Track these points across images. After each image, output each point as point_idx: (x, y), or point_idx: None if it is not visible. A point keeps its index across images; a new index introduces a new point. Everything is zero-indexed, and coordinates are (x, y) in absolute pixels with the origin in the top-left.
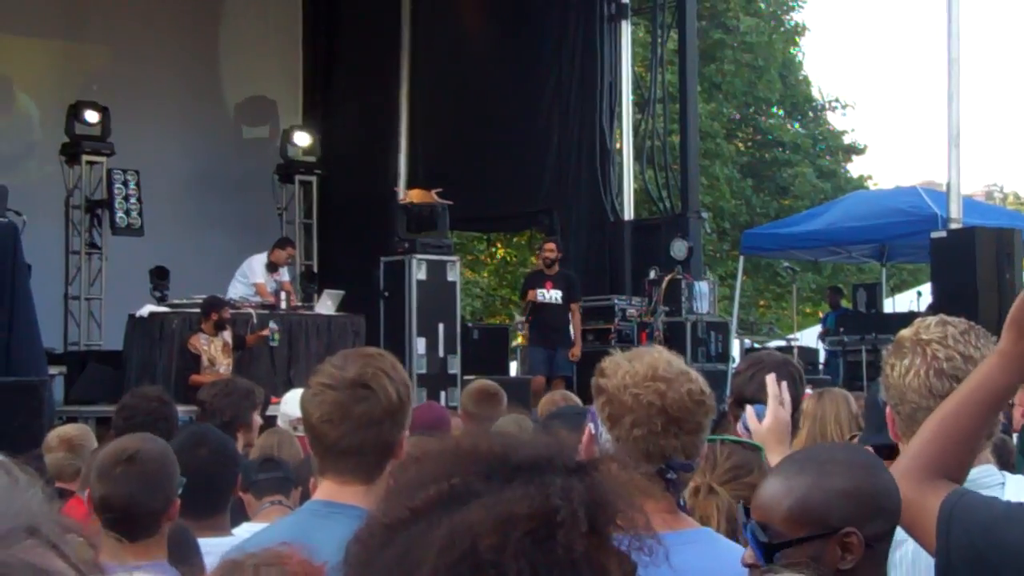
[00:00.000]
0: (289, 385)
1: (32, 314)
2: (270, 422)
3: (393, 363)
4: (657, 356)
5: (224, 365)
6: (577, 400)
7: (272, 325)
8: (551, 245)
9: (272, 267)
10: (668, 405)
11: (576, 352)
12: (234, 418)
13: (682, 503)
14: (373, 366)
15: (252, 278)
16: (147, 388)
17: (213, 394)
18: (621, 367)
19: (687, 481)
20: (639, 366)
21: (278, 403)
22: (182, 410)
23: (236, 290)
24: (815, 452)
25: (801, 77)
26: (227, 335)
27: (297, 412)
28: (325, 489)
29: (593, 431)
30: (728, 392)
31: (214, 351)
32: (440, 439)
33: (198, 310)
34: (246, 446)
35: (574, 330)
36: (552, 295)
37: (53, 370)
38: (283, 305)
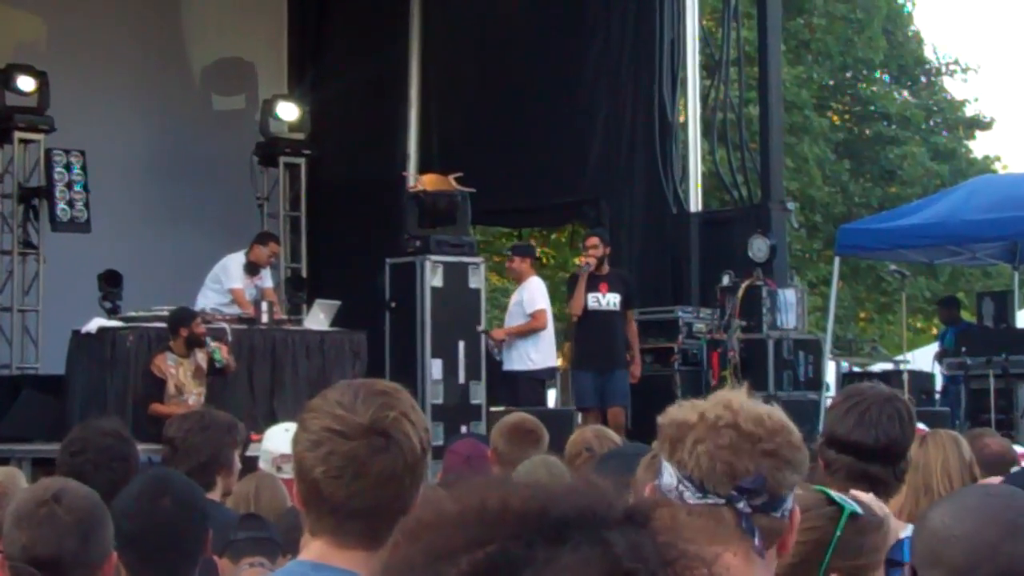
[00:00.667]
0: (272, 418)
1: None
2: (249, 464)
3: (412, 403)
4: (732, 393)
5: (194, 395)
6: (615, 438)
7: (210, 343)
8: (594, 239)
9: (252, 268)
10: (740, 419)
11: (637, 372)
12: (212, 459)
13: (757, 542)
14: (393, 409)
15: (227, 282)
16: (102, 420)
17: (186, 429)
18: (689, 401)
19: (770, 530)
20: (712, 398)
21: (259, 440)
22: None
23: (207, 299)
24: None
25: (911, 33)
26: (201, 357)
27: (282, 448)
28: (317, 549)
29: (656, 481)
30: (819, 429)
31: (183, 376)
32: (453, 494)
33: (159, 324)
34: (224, 494)
35: (632, 343)
36: (608, 300)
37: None
38: (264, 318)
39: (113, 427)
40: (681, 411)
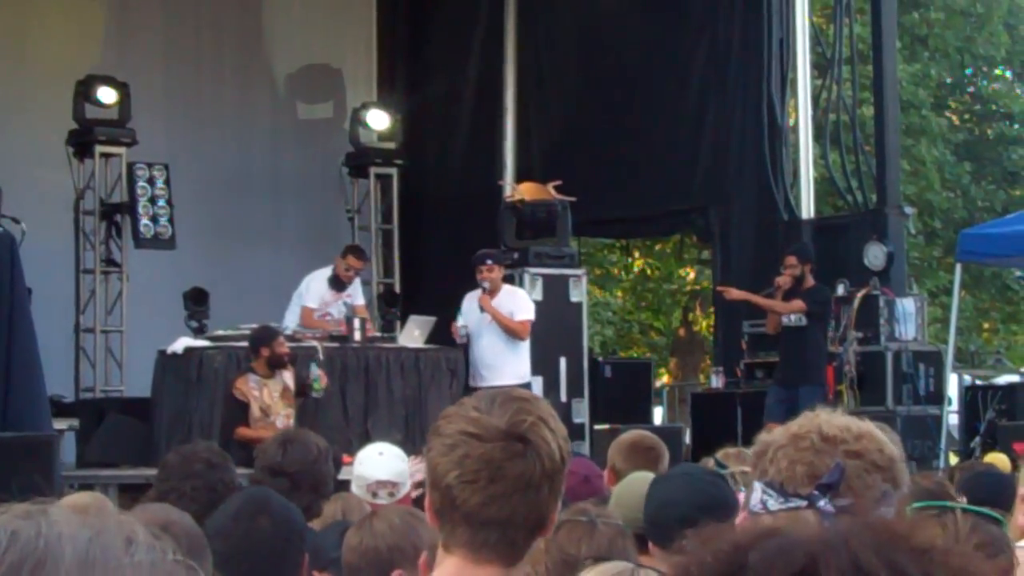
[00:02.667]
0: (366, 439)
1: (34, 352)
2: (341, 489)
3: (551, 411)
4: (822, 416)
5: (283, 416)
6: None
7: (314, 369)
8: (792, 259)
9: (338, 284)
10: (824, 425)
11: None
12: (319, 483)
13: None
14: (531, 413)
15: (303, 300)
16: (197, 445)
17: (308, 460)
18: (775, 431)
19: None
20: (795, 424)
21: (351, 463)
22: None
23: (293, 316)
24: None
25: None
26: (288, 376)
27: (378, 474)
28: (451, 567)
29: (744, 507)
30: (942, 446)
31: (268, 398)
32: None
33: (247, 344)
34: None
35: (763, 300)
36: (795, 316)
37: (61, 424)
38: (357, 336)
39: (204, 453)
40: (770, 435)
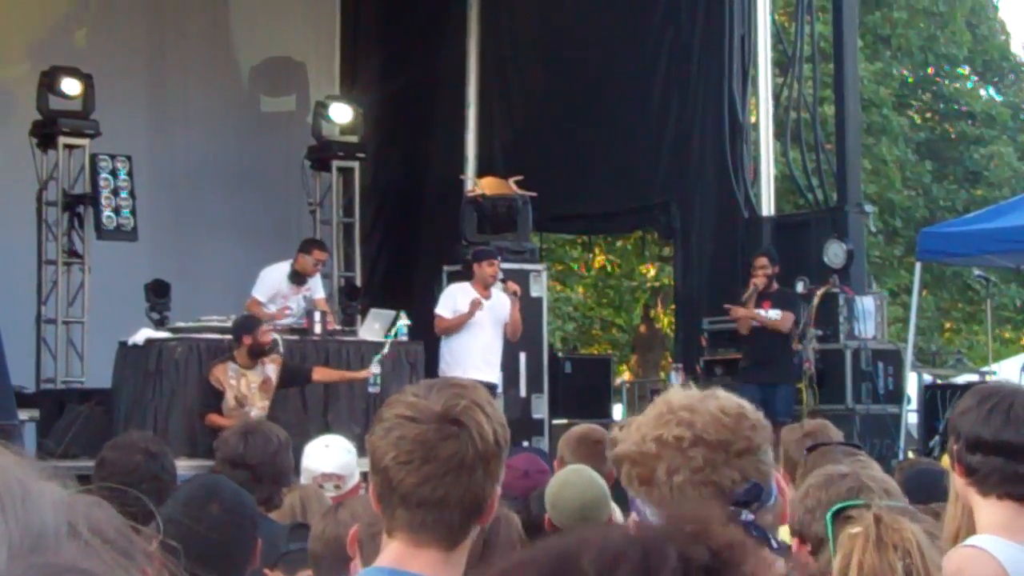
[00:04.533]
0: (326, 432)
1: None
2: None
3: (488, 398)
4: (669, 393)
5: (257, 408)
6: None
7: (375, 367)
8: (763, 259)
9: (298, 278)
10: (701, 431)
11: (739, 312)
12: (279, 475)
13: (775, 544)
14: (466, 398)
15: (253, 290)
16: (134, 435)
17: (268, 451)
18: (633, 423)
19: (775, 519)
20: (650, 409)
21: None
22: (192, 465)
23: None
24: None
25: (996, 26)
26: (272, 369)
27: (323, 467)
28: (392, 552)
29: (637, 518)
30: (900, 444)
31: (246, 388)
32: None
33: (209, 336)
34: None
35: (763, 318)
36: (770, 316)
37: (23, 414)
38: (317, 329)
39: (143, 443)
40: (631, 439)
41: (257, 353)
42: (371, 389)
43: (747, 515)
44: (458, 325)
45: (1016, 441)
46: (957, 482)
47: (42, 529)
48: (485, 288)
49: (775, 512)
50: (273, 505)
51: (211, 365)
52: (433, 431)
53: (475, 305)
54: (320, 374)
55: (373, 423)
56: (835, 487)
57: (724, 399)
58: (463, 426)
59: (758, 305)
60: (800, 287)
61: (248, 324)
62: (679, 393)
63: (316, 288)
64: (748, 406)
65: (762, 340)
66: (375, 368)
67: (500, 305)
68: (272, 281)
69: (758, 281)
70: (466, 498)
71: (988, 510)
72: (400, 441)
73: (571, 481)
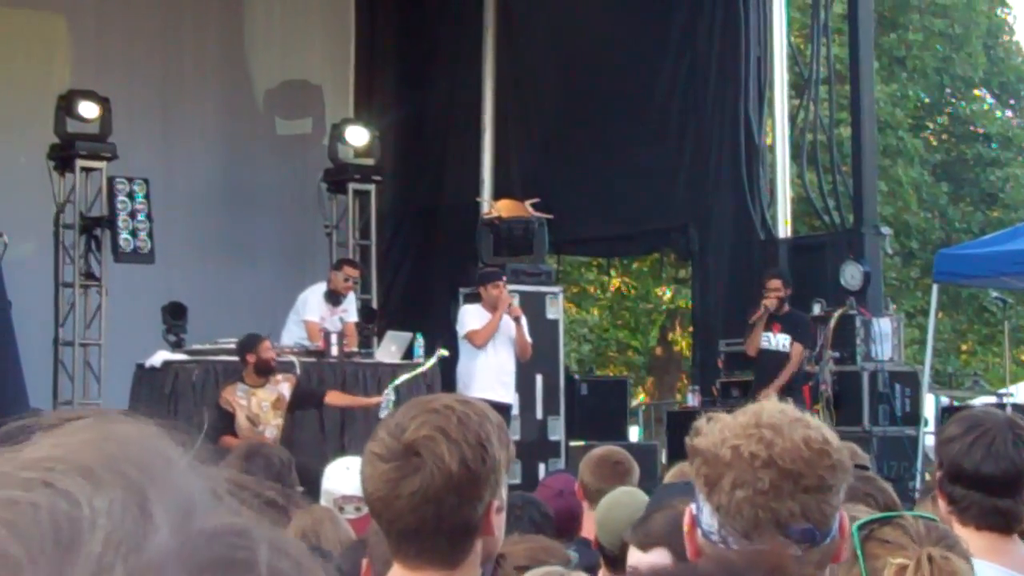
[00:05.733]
0: (343, 454)
1: (17, 364)
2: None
3: (462, 418)
4: (765, 405)
5: (272, 426)
6: None
7: (390, 393)
8: (777, 282)
9: (333, 298)
10: (777, 456)
11: (771, 392)
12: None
13: None
14: (431, 426)
15: (303, 314)
16: None
17: (270, 474)
18: (719, 421)
19: (823, 557)
20: (740, 417)
21: None
22: None
23: (291, 334)
24: None
25: (1012, 48)
26: (286, 387)
27: (343, 489)
28: (395, 574)
29: (695, 511)
30: (918, 467)
31: (257, 407)
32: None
33: (225, 358)
34: None
35: (785, 371)
36: (779, 340)
37: None
38: (334, 351)
39: None
40: (711, 438)
41: (263, 370)
42: (382, 413)
43: (796, 549)
44: (493, 327)
45: (996, 475)
46: (941, 507)
47: (190, 496)
48: (494, 310)
49: (825, 551)
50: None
51: (221, 388)
52: (394, 469)
53: (505, 302)
54: (332, 397)
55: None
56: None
57: (813, 430)
58: (423, 459)
59: (768, 327)
60: (817, 309)
61: (250, 342)
62: (773, 409)
63: (351, 311)
64: (836, 444)
65: (772, 362)
66: (390, 394)
67: (511, 326)
68: (316, 300)
69: (769, 303)
70: (444, 526)
71: (969, 537)
72: (370, 479)
73: (621, 502)
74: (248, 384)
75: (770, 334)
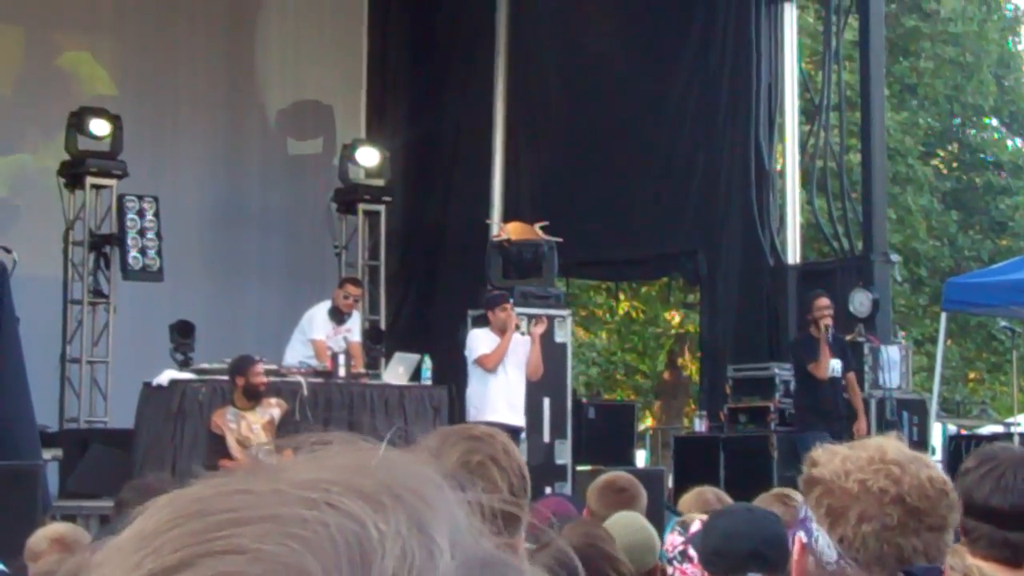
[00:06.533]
0: None
1: (23, 380)
2: None
3: (506, 446)
4: (883, 441)
5: (265, 449)
6: (728, 501)
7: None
8: (826, 300)
9: (337, 316)
10: (906, 492)
11: (862, 427)
12: None
13: None
14: (480, 452)
15: (310, 333)
16: (150, 477)
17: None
18: (839, 454)
19: None
20: (862, 451)
21: None
22: None
23: (295, 352)
24: None
25: (1023, 77)
26: (276, 412)
27: None
28: None
29: (804, 539)
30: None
31: (247, 430)
32: None
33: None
34: None
35: (855, 402)
36: (831, 365)
37: (46, 453)
38: (341, 372)
39: (159, 484)
40: (835, 470)
41: (252, 394)
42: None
43: None
44: (503, 351)
45: (1004, 508)
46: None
47: (459, 522)
48: (503, 333)
49: None
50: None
51: (212, 412)
52: None
53: (512, 321)
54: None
55: None
56: None
57: (934, 469)
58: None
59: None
60: None
61: (240, 365)
62: (894, 445)
63: (355, 330)
64: (951, 484)
65: (835, 390)
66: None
67: (520, 348)
68: (322, 319)
69: (828, 322)
70: None
71: (979, 568)
72: None
73: (620, 523)
74: (238, 407)
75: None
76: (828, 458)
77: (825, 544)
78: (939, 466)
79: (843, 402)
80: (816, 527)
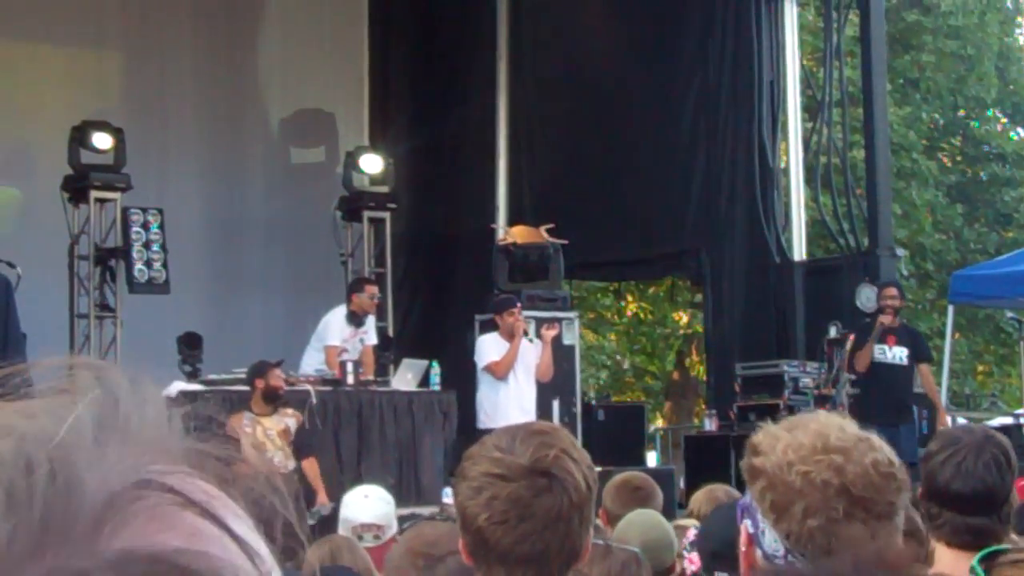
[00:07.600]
0: (359, 483)
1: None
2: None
3: (572, 441)
4: (825, 422)
5: (278, 455)
6: (737, 496)
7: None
8: (894, 290)
9: (356, 319)
10: (850, 483)
11: (945, 419)
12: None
13: None
14: (553, 447)
15: (325, 339)
16: None
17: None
18: (780, 440)
19: None
20: (804, 436)
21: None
22: None
23: (312, 359)
24: None
25: None
26: (292, 422)
27: (362, 517)
28: None
29: (751, 529)
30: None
31: (262, 435)
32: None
33: (241, 388)
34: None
35: (931, 394)
36: (895, 353)
37: None
38: (350, 379)
39: None
40: (777, 462)
41: (270, 397)
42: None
43: None
44: (513, 356)
45: (965, 493)
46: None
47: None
48: (511, 338)
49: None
50: (289, 556)
51: (228, 416)
52: (525, 488)
53: (520, 326)
54: (307, 465)
55: (456, 481)
56: None
57: (879, 451)
58: (555, 478)
59: (882, 340)
60: (832, 331)
61: (259, 368)
62: (836, 426)
63: (370, 334)
64: (897, 462)
65: (889, 375)
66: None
67: (529, 353)
68: (338, 324)
69: (887, 319)
70: (565, 548)
71: (941, 553)
72: (493, 501)
73: (635, 522)
74: (255, 412)
75: (885, 347)
76: (770, 445)
77: (772, 538)
78: (885, 445)
79: (907, 390)
80: (762, 519)
